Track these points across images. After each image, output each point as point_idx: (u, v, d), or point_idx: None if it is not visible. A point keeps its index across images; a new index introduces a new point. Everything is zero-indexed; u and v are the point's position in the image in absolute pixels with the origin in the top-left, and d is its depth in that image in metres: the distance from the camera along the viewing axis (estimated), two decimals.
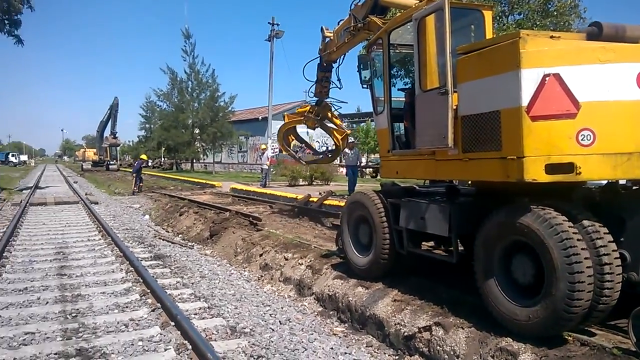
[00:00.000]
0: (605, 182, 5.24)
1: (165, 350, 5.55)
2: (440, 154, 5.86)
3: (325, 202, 15.79)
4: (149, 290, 7.64)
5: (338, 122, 12.34)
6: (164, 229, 16.44)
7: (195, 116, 44.48)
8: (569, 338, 4.70)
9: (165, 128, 45.71)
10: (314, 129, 12.93)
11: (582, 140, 4.46)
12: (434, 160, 6.05)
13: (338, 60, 10.54)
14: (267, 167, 27.11)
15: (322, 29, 10.63)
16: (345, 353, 5.93)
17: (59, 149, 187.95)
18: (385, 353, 6.05)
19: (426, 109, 5.96)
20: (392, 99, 7.01)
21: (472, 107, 5.22)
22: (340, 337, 6.55)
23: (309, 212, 14.84)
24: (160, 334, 5.95)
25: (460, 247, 6.06)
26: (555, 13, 20.67)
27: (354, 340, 6.49)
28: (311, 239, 10.95)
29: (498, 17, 21.63)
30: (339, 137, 12.25)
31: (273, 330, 6.57)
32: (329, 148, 13.10)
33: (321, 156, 14.10)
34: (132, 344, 5.70)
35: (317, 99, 11.93)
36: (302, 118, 12.31)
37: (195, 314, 6.85)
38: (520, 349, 4.65)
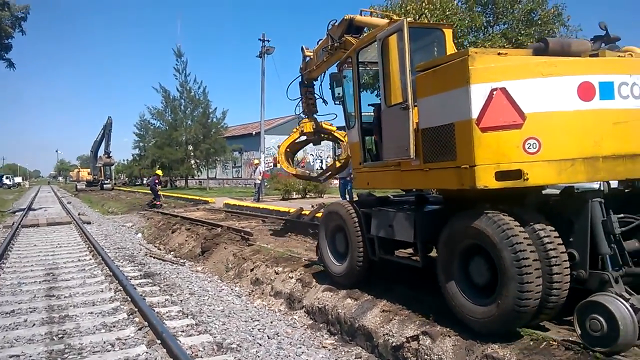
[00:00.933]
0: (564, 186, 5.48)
1: None
2: (404, 164, 6.16)
3: (318, 215, 15.74)
4: (136, 309, 7.65)
5: (333, 128, 12.37)
6: (156, 246, 16.47)
7: (188, 133, 44.50)
8: (524, 334, 5.00)
9: (159, 146, 45.77)
10: (320, 143, 13.05)
11: (528, 148, 4.74)
12: (399, 171, 6.35)
13: (319, 78, 10.85)
14: (260, 182, 27.05)
15: (302, 48, 10.99)
16: None
17: (53, 169, 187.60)
18: None
19: (391, 123, 6.31)
20: (363, 114, 7.35)
21: (430, 121, 5.53)
22: (329, 350, 6.57)
23: (301, 226, 14.80)
24: (146, 353, 5.98)
25: (433, 253, 6.35)
26: (540, 22, 20.99)
27: (343, 353, 6.50)
28: (302, 252, 10.93)
29: (483, 28, 21.93)
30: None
31: (260, 345, 6.58)
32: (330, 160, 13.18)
33: (328, 172, 13.89)
34: None
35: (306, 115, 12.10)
36: (303, 138, 12.38)
37: (183, 332, 6.86)
38: (505, 355, 4.73)
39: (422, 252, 6.19)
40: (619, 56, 5.24)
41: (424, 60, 6.14)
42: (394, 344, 5.84)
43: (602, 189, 5.39)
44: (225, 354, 6.07)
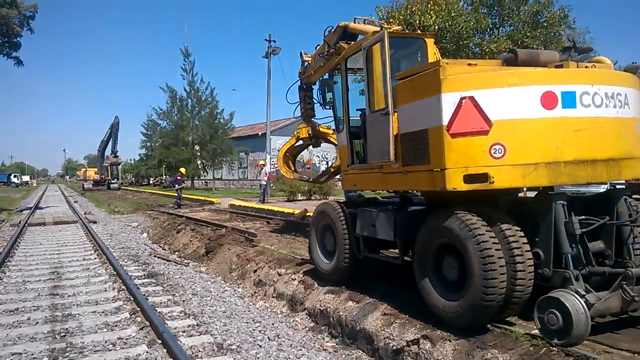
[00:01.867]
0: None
1: None
2: (386, 167, 6.53)
3: (309, 213, 15.76)
4: (139, 309, 7.76)
5: (329, 131, 12.45)
6: (160, 246, 16.63)
7: (195, 133, 44.58)
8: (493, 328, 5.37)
9: (166, 146, 46.02)
10: (319, 145, 13.24)
11: (494, 153, 5.07)
12: (382, 173, 6.72)
13: (317, 83, 10.95)
14: (265, 183, 27.08)
15: (300, 53, 11.28)
16: None
17: (61, 168, 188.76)
18: None
19: (374, 128, 6.69)
20: (351, 118, 7.72)
21: (408, 126, 5.88)
22: (330, 353, 6.64)
23: (305, 227, 14.79)
24: (147, 352, 6.08)
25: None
26: (545, 24, 20.95)
27: (343, 356, 6.57)
28: (305, 253, 10.85)
29: (489, 29, 21.91)
30: None
31: (260, 346, 6.65)
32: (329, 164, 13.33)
33: (326, 174, 14.06)
34: None
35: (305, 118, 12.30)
36: (300, 142, 12.56)
37: (184, 332, 6.95)
38: None
39: (401, 251, 6.58)
40: (585, 67, 5.59)
41: (409, 68, 6.55)
42: (394, 347, 5.89)
43: (564, 192, 5.67)
44: (225, 354, 6.17)
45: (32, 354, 6.09)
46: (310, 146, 13.17)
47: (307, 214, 16.72)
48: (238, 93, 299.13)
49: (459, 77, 5.21)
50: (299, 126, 12.67)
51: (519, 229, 5.19)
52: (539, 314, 4.87)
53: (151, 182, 68.22)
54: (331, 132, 12.34)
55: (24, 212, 28.00)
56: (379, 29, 7.88)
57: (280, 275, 9.49)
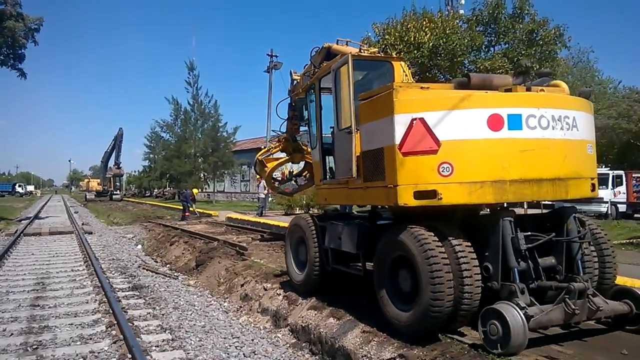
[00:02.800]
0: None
1: None
2: (350, 183, 6.78)
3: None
4: (115, 322, 7.82)
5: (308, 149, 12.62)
6: (153, 258, 16.81)
7: (197, 146, 44.89)
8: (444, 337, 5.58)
9: (168, 158, 46.28)
10: (299, 163, 13.28)
11: (442, 171, 5.33)
12: (347, 189, 6.99)
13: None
14: (263, 197, 27.25)
15: (290, 72, 11.54)
16: None
17: (66, 179, 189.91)
18: None
19: (340, 145, 7.01)
20: (324, 135, 7.99)
21: (368, 145, 6.17)
22: None
23: None
24: None
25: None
26: (541, 42, 21.11)
27: None
28: None
29: (484, 47, 22.09)
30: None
31: None
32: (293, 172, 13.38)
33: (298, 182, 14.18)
34: None
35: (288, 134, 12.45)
36: (284, 157, 12.74)
37: (157, 346, 6.98)
38: None
39: (363, 263, 6.89)
40: (540, 90, 5.85)
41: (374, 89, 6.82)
42: None
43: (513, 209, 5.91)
44: None
45: None
46: (291, 162, 13.34)
47: None
48: (242, 107, 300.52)
49: (410, 99, 5.49)
50: (279, 138, 12.86)
51: (469, 243, 5.45)
52: (482, 324, 5.12)
53: (154, 193, 68.65)
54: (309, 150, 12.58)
55: (22, 221, 28.41)
56: (357, 50, 8.36)
57: (266, 290, 9.55)
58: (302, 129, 12.00)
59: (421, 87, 5.76)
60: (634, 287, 6.06)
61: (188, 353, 6.79)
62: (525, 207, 6.75)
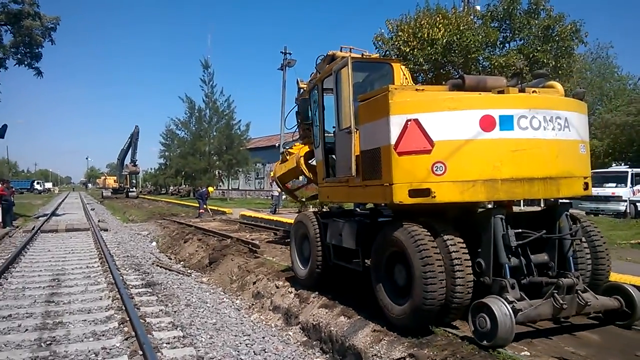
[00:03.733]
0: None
1: None
2: (350, 181, 7.09)
3: None
4: (128, 319, 7.95)
5: None
6: (167, 255, 17.15)
7: (211, 144, 45.41)
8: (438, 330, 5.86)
9: (183, 156, 46.89)
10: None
11: (436, 170, 5.61)
12: (347, 187, 7.31)
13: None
14: (277, 194, 27.56)
15: (297, 81, 12.03)
16: None
17: (84, 176, 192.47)
18: None
19: (341, 145, 7.36)
20: (326, 135, 8.33)
21: (366, 144, 6.46)
22: None
23: None
24: None
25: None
26: (557, 38, 21.03)
27: None
28: None
29: (499, 44, 22.09)
30: None
31: None
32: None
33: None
34: None
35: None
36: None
37: (168, 343, 7.11)
38: None
39: (362, 259, 7.22)
40: (533, 92, 6.11)
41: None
42: None
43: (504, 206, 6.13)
44: None
45: None
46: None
47: None
48: (256, 104, 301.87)
49: (405, 101, 5.77)
50: (289, 148, 13.19)
51: (461, 240, 5.72)
52: (471, 317, 5.40)
53: (169, 191, 69.48)
54: None
55: (40, 218, 29.07)
56: (360, 56, 8.71)
57: (277, 287, 9.69)
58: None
59: (416, 89, 6.06)
60: (625, 284, 6.27)
61: (199, 350, 6.93)
62: (522, 205, 6.96)
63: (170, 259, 16.52)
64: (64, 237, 20.04)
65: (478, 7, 24.46)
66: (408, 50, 21.29)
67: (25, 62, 32.23)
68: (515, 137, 5.63)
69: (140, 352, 6.44)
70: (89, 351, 6.70)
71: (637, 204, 24.99)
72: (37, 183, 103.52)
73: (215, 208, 31.81)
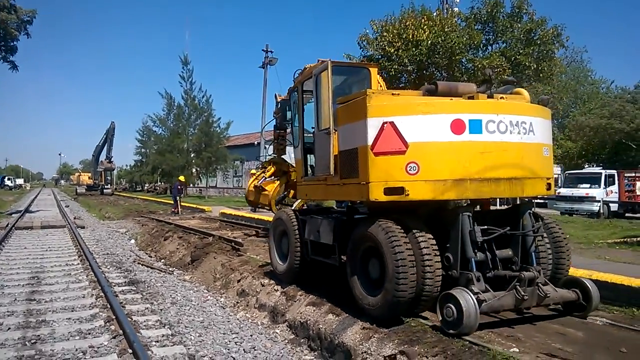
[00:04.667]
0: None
1: None
2: (329, 179, 7.60)
3: None
4: (114, 317, 8.00)
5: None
6: (147, 253, 17.31)
7: (190, 141, 45.66)
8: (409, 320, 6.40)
9: (160, 152, 47.09)
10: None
11: (409, 170, 6.14)
12: (325, 185, 7.85)
13: (276, 104, 12.24)
14: None
15: (275, 95, 12.54)
16: None
17: (56, 172, 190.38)
18: None
19: (320, 145, 7.89)
20: (305, 135, 8.88)
21: (344, 145, 6.99)
22: None
23: None
24: None
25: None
26: (539, 42, 21.80)
27: None
28: None
29: (482, 46, 22.85)
30: None
31: (234, 358, 6.98)
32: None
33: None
34: None
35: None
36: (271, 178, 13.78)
37: (157, 342, 7.17)
38: None
39: (339, 253, 7.70)
40: (500, 98, 6.77)
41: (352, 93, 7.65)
42: None
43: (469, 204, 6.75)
44: None
45: None
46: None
47: None
48: (236, 102, 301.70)
49: (382, 105, 6.32)
50: (264, 163, 13.98)
51: (431, 236, 6.27)
52: (439, 308, 5.97)
53: (145, 188, 69.40)
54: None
55: (13, 215, 28.99)
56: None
57: (263, 285, 9.85)
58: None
59: (392, 94, 6.64)
60: (582, 278, 6.91)
61: (189, 348, 7.01)
62: (499, 204, 7.54)
63: (151, 256, 16.66)
64: (39, 235, 19.96)
65: (457, 9, 25.28)
66: (393, 50, 21.87)
67: (0, 56, 32.20)
68: (483, 140, 6.19)
69: (130, 351, 6.54)
70: (77, 350, 6.75)
71: (610, 204, 26.06)
72: (8, 179, 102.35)
73: (194, 206, 32.02)
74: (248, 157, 50.56)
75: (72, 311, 8.66)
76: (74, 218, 26.95)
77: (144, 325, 7.89)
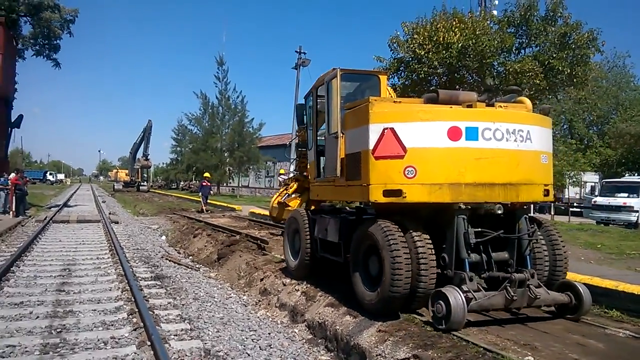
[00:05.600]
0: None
1: None
2: (336, 181, 8.07)
3: None
4: (137, 310, 8.30)
5: None
6: (176, 250, 17.84)
7: (223, 140, 46.63)
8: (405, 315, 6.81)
9: (195, 151, 48.21)
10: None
11: (407, 174, 6.54)
12: (334, 186, 8.32)
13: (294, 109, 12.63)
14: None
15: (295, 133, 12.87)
16: None
17: (96, 169, 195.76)
18: None
19: (330, 148, 8.40)
20: (319, 138, 9.39)
21: (350, 148, 7.44)
22: None
23: None
24: (135, 353, 6.63)
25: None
26: (573, 46, 21.54)
27: None
28: None
29: (515, 50, 22.73)
30: None
31: (249, 355, 7.14)
32: None
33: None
34: None
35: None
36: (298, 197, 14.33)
37: (175, 335, 7.44)
38: None
39: (344, 251, 8.13)
40: (500, 106, 7.14)
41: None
42: None
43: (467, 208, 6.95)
44: None
45: (26, 347, 6.70)
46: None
47: None
48: (269, 102, 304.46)
49: (383, 111, 6.75)
50: (287, 180, 14.69)
51: (428, 237, 6.65)
52: (431, 304, 6.36)
53: (180, 186, 70.91)
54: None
55: (52, 209, 30.25)
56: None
57: (285, 285, 10.00)
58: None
59: (394, 101, 7.09)
60: (575, 282, 7.19)
61: (205, 343, 7.24)
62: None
63: (179, 253, 17.05)
64: (75, 228, 20.83)
65: (495, 12, 25.10)
66: (423, 53, 21.93)
67: (44, 54, 33.61)
68: (479, 146, 6.55)
69: (149, 343, 6.76)
70: (98, 340, 7.07)
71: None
72: (50, 174, 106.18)
73: (225, 204, 32.60)
74: (280, 158, 51.29)
75: (98, 303, 9.09)
76: (109, 213, 27.93)
77: (165, 319, 8.19)
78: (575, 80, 22.49)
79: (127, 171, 74.68)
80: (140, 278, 11.30)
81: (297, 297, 9.24)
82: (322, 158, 9.21)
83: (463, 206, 6.60)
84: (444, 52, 21.60)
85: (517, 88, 8.37)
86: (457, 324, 6.04)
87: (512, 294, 6.35)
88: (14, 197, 23.98)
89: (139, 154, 67.82)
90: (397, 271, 6.40)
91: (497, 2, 27.06)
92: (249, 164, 48.44)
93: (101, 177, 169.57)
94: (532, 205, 28.38)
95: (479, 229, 6.74)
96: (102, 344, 6.92)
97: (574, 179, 37.31)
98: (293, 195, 14.42)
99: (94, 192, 62.41)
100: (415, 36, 22.56)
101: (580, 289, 6.80)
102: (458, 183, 6.52)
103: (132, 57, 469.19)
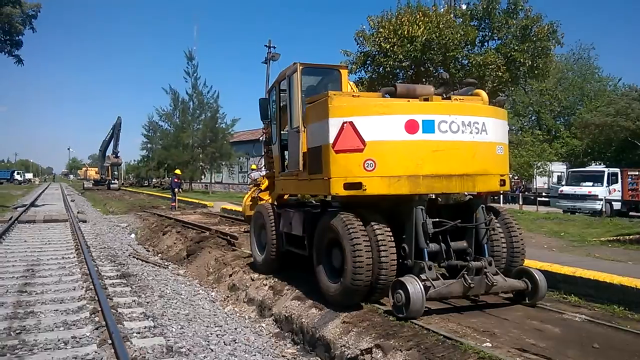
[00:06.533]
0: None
1: None
2: (299, 175, 8.13)
3: None
4: (99, 309, 8.16)
5: None
6: (145, 248, 17.70)
7: (195, 136, 46.20)
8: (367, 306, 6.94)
9: (166, 147, 47.71)
10: None
11: (367, 167, 6.62)
12: (297, 180, 8.35)
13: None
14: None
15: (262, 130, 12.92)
16: None
17: (65, 167, 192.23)
18: None
19: (292, 142, 8.41)
20: (282, 133, 9.37)
21: (312, 142, 7.48)
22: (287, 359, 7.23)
23: None
24: (95, 352, 6.52)
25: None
26: (534, 38, 21.86)
27: None
28: None
29: (478, 43, 23.01)
30: None
31: (212, 350, 7.10)
32: None
33: None
34: None
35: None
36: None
37: (138, 333, 7.35)
38: None
39: (308, 244, 8.18)
40: (456, 100, 7.28)
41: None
42: (349, 356, 6.27)
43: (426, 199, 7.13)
44: (173, 357, 6.61)
45: None
46: None
47: None
48: (240, 98, 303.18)
49: (342, 105, 6.80)
50: (259, 179, 14.72)
51: (388, 228, 6.74)
52: (391, 293, 6.47)
53: (151, 183, 70.17)
54: None
55: (18, 209, 29.47)
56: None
57: (253, 280, 10.05)
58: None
59: (352, 95, 7.17)
60: (531, 268, 7.35)
61: (168, 340, 7.14)
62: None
63: (149, 251, 16.96)
64: (41, 228, 20.31)
65: (464, 6, 25.31)
66: (388, 46, 22.00)
67: (5, 50, 32.77)
68: (436, 139, 6.67)
69: (110, 341, 6.71)
70: (59, 340, 6.92)
71: (613, 203, 26.02)
72: (18, 173, 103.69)
73: (197, 201, 32.48)
74: (253, 153, 51.06)
75: (61, 303, 8.92)
76: (77, 212, 27.44)
77: (128, 317, 8.10)
78: (536, 72, 22.83)
79: (97, 169, 73.78)
80: (105, 277, 11.13)
81: (265, 291, 9.30)
82: (286, 152, 9.22)
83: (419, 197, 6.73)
84: (408, 45, 21.70)
85: (473, 81, 8.53)
86: (416, 312, 6.16)
87: (470, 281, 6.49)
88: None
89: (109, 152, 66.84)
90: (358, 261, 6.48)
91: None
92: (221, 160, 48.11)
93: (71, 176, 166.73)
94: (501, 196, 28.88)
95: (437, 219, 6.86)
96: (63, 344, 6.80)
97: (542, 169, 38.10)
98: (266, 192, 14.44)
99: (63, 191, 61.08)
100: (381, 30, 22.62)
101: (536, 275, 6.97)
102: (416, 175, 6.63)
103: (102, 52, 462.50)
